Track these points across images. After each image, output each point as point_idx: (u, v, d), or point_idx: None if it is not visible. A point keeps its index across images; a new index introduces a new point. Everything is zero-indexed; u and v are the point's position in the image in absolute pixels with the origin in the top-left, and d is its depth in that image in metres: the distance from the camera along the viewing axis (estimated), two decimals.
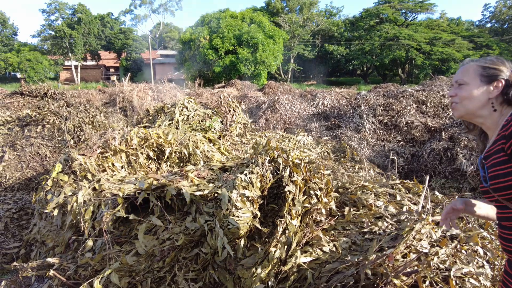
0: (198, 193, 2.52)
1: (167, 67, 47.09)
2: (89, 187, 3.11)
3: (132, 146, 4.05)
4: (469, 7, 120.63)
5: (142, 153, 4.04)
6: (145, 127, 5.00)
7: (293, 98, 9.22)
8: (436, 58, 39.17)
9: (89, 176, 3.52)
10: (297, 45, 44.48)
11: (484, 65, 1.39)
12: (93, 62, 48.66)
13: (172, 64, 44.24)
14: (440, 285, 2.13)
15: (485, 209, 1.55)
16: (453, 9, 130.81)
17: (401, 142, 6.36)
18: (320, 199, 2.76)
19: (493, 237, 2.77)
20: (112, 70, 52.46)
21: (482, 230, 2.81)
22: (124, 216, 2.60)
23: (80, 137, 5.66)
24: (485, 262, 2.42)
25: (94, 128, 6.23)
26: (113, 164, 3.90)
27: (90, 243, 2.55)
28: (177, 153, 3.94)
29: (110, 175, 3.56)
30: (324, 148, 5.74)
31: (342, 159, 5.32)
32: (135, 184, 2.82)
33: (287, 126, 8.01)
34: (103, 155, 3.93)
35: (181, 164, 3.96)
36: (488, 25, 49.37)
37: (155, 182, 2.70)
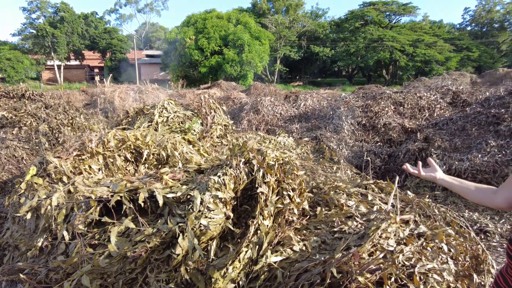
0: (171, 195, 2.55)
1: (152, 67, 46.66)
2: (63, 190, 3.10)
3: (110, 148, 4.03)
4: (450, 11, 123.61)
5: (119, 155, 4.03)
6: (124, 129, 4.97)
7: (275, 99, 9.30)
8: (419, 59, 40.05)
9: (65, 179, 3.50)
10: (283, 46, 44.73)
11: None
12: (77, 62, 47.76)
13: (158, 64, 43.88)
14: (404, 281, 2.22)
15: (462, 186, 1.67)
16: (435, 12, 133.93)
17: (379, 143, 6.52)
18: (293, 200, 2.83)
19: (458, 234, 2.89)
20: (96, 70, 51.63)
21: (447, 228, 2.92)
22: (97, 218, 2.61)
23: (59, 139, 5.58)
24: (449, 258, 2.53)
25: (74, 130, 6.16)
26: (90, 167, 3.88)
27: (62, 246, 2.55)
28: (155, 155, 3.95)
29: (86, 177, 3.55)
30: (304, 149, 5.82)
31: (321, 159, 5.42)
32: (109, 187, 2.82)
33: (269, 127, 8.08)
34: (80, 157, 3.91)
35: (159, 166, 3.97)
36: (468, 28, 50.75)
37: (128, 185, 2.71)
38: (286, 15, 47.39)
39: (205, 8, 56.38)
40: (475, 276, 2.42)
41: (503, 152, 4.80)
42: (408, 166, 1.81)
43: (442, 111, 7.47)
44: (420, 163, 1.79)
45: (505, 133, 5.15)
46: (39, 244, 2.72)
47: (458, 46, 43.29)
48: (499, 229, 3.90)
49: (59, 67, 43.75)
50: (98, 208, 2.68)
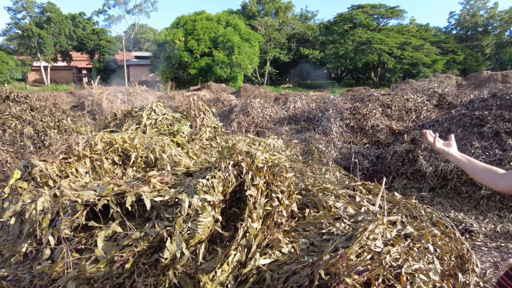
0: (158, 198, 2.53)
1: (141, 69, 46.28)
2: (49, 194, 3.04)
3: (97, 151, 3.98)
4: (436, 14, 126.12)
5: (107, 158, 3.99)
6: (111, 131, 4.92)
7: (265, 101, 9.33)
8: (407, 62, 40.72)
9: (51, 182, 3.44)
10: (273, 49, 44.90)
11: None
12: (64, 63, 46.98)
13: (147, 66, 43.54)
14: (392, 282, 2.24)
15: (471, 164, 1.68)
16: (422, 16, 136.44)
17: (367, 145, 6.60)
18: (282, 202, 2.84)
19: (444, 235, 2.94)
20: (84, 71, 50.89)
21: (433, 228, 2.97)
22: (84, 223, 2.57)
23: (44, 142, 5.49)
24: (435, 258, 2.57)
25: (60, 133, 6.06)
26: (76, 170, 3.83)
27: (47, 251, 2.50)
28: (143, 158, 3.91)
29: (73, 181, 3.49)
30: (293, 151, 5.85)
31: (310, 161, 5.45)
32: (96, 190, 2.79)
33: (259, 129, 8.10)
34: (66, 160, 3.85)
35: (148, 169, 3.93)
36: (454, 31, 51.81)
37: (115, 188, 2.68)
38: (275, 18, 47.62)
39: (194, 10, 56.19)
40: (460, 275, 2.47)
41: (487, 153, 4.92)
42: (427, 132, 1.82)
43: (428, 113, 7.60)
44: (437, 134, 1.81)
45: (488, 134, 5.27)
46: (23, 249, 2.67)
47: (444, 49, 44.17)
48: (483, 229, 3.98)
49: (45, 68, 42.98)
50: (85, 212, 2.64)
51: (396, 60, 41.14)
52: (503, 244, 3.70)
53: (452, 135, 1.81)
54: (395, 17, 47.73)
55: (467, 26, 49.17)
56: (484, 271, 3.23)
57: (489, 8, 46.88)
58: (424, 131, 1.84)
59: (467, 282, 2.56)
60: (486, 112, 5.82)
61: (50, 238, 2.55)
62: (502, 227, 3.98)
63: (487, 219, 4.18)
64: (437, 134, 1.81)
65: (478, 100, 6.64)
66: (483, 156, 4.81)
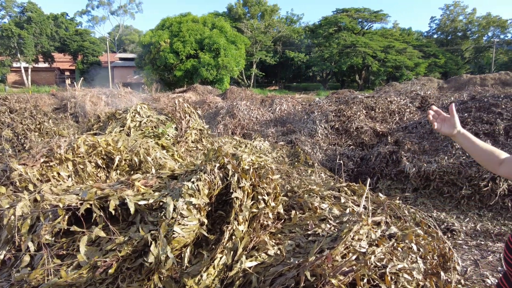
0: (142, 202, 2.49)
1: (126, 70, 45.66)
2: (29, 199, 2.96)
3: (80, 154, 3.90)
4: (418, 18, 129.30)
5: (90, 162, 3.91)
6: (95, 134, 4.83)
7: (251, 104, 9.34)
8: (390, 65, 41.53)
9: (30, 187, 3.35)
10: (259, 51, 45.05)
11: None
12: (46, 65, 45.87)
13: (132, 68, 42.99)
14: (377, 282, 2.27)
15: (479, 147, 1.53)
16: (404, 20, 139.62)
17: (351, 146, 6.69)
18: (268, 204, 2.84)
19: (426, 234, 3.00)
20: (67, 73, 49.83)
21: (417, 228, 3.03)
22: (65, 228, 2.50)
23: (24, 145, 5.34)
24: (418, 258, 2.62)
25: (41, 136, 5.91)
26: (58, 174, 3.74)
27: (27, 258, 2.43)
28: (127, 161, 3.85)
29: (54, 185, 3.41)
30: (280, 153, 5.87)
31: (296, 163, 5.48)
32: (78, 194, 2.72)
33: (245, 131, 8.10)
34: (48, 164, 3.75)
35: (132, 172, 3.87)
36: (435, 36, 53.21)
37: (98, 192, 2.63)
38: (261, 20, 47.83)
39: (180, 12, 55.88)
40: (442, 273, 2.52)
41: (467, 154, 5.05)
42: (430, 114, 1.63)
43: (411, 115, 7.77)
44: (439, 114, 1.62)
45: None
46: (1, 257, 2.58)
47: (426, 52, 45.28)
48: (464, 228, 4.08)
49: (26, 69, 41.85)
50: (67, 217, 2.58)
51: (380, 63, 41.91)
52: (482, 242, 3.81)
53: (453, 105, 1.59)
54: (379, 21, 48.69)
55: (447, 31, 50.61)
56: (465, 269, 3.31)
57: (467, 13, 48.45)
58: (428, 113, 1.64)
59: (449, 280, 2.62)
60: (466, 114, 5.99)
61: (30, 244, 2.47)
62: (482, 226, 4.10)
63: (468, 218, 4.29)
64: (439, 114, 1.62)
65: (458, 102, 6.83)
66: (463, 157, 4.94)
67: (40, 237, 2.42)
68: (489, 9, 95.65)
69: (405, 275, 2.37)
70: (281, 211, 2.97)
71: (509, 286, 1.34)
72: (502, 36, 46.95)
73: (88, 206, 2.54)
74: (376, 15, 47.45)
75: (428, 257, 2.70)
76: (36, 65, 43.82)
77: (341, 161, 5.21)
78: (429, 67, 43.80)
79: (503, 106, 5.86)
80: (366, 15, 47.48)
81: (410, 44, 46.13)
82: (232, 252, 2.41)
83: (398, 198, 3.99)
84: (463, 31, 49.20)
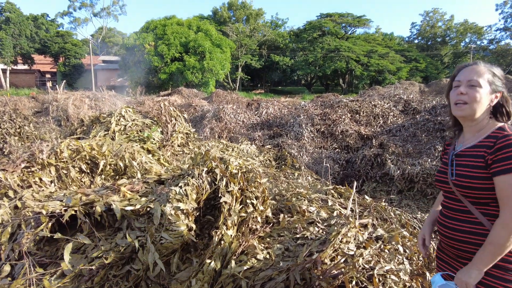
0: (129, 208, 2.45)
1: (110, 73, 44.87)
2: (9, 206, 2.86)
3: (63, 159, 3.80)
4: (400, 23, 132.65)
5: (74, 167, 3.81)
6: (78, 138, 4.72)
7: (238, 107, 9.34)
8: (373, 69, 42.32)
9: (11, 193, 3.23)
10: (245, 55, 45.15)
11: (496, 73, 1.44)
12: (26, 67, 44.57)
13: (116, 70, 42.27)
14: (365, 283, 2.29)
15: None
16: (387, 25, 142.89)
17: (337, 149, 6.78)
18: (256, 208, 2.84)
19: (412, 235, 3.06)
20: (48, 75, 48.54)
21: (402, 230, 3.08)
22: (49, 235, 2.43)
23: (4, 150, 5.17)
24: (404, 259, 2.66)
25: (21, 140, 5.74)
26: (40, 180, 3.63)
27: (7, 267, 2.34)
28: (112, 165, 3.78)
29: (36, 191, 3.31)
30: (267, 156, 5.89)
31: (283, 166, 5.50)
32: (62, 201, 2.65)
33: (232, 135, 8.08)
34: (29, 169, 3.64)
35: (117, 177, 3.80)
36: (416, 41, 54.65)
37: (83, 198, 2.56)
38: (246, 24, 47.99)
39: (164, 15, 55.48)
40: (427, 274, 2.56)
41: None
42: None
43: (395, 118, 7.93)
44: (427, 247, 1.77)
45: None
46: None
47: (408, 57, 46.41)
48: None
49: (4, 71, 40.57)
50: (50, 224, 2.50)
51: (363, 67, 42.65)
52: None
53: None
54: (362, 26, 49.64)
55: (427, 36, 52.10)
56: None
57: (446, 20, 50.04)
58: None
59: None
60: (447, 117, 6.16)
61: (11, 253, 2.39)
62: None
63: None
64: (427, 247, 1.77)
65: (439, 106, 7.02)
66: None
67: (21, 246, 2.34)
68: (466, 16, 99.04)
69: (392, 277, 2.40)
70: (270, 214, 2.97)
71: (439, 250, 1.62)
72: (478, 42, 48.73)
73: (73, 212, 2.48)
74: (359, 20, 48.36)
75: (414, 258, 2.75)
76: (15, 67, 42.54)
77: (328, 164, 5.27)
78: (411, 71, 44.88)
79: None
80: (350, 20, 48.32)
81: (392, 48, 47.20)
82: (221, 257, 2.39)
83: (383, 200, 4.06)
84: (442, 36, 50.76)
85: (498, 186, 1.33)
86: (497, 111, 1.46)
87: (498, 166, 1.32)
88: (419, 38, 53.78)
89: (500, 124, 1.43)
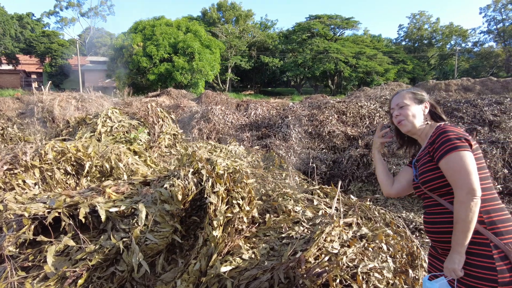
0: (114, 209, 2.44)
1: (97, 74, 44.26)
2: None
3: (48, 161, 3.75)
4: (388, 26, 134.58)
5: (59, 168, 3.77)
6: (64, 139, 4.66)
7: (226, 108, 9.34)
8: (362, 70, 42.83)
9: None
10: (234, 56, 45.15)
11: (414, 91, 1.87)
12: (10, 67, 43.67)
13: (103, 71, 41.74)
14: (349, 282, 2.33)
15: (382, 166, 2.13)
16: (375, 27, 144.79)
17: (324, 150, 6.85)
18: (243, 208, 2.85)
19: (396, 234, 3.12)
20: (34, 76, 47.61)
21: (386, 228, 3.14)
22: (31, 238, 2.40)
23: None
24: (388, 257, 2.71)
25: (5, 142, 5.63)
26: (24, 182, 3.57)
27: None
28: (98, 167, 3.75)
29: (19, 193, 3.26)
30: (255, 157, 5.90)
31: (271, 167, 5.53)
32: (45, 203, 2.62)
33: (220, 136, 8.08)
34: (12, 172, 3.58)
35: (103, 179, 3.77)
36: (403, 43, 55.53)
37: (67, 200, 2.54)
38: (236, 25, 47.99)
39: (153, 15, 55.06)
40: (410, 271, 2.62)
41: None
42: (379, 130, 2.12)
43: (381, 119, 8.05)
44: (385, 132, 2.11)
45: None
46: None
47: (395, 59, 47.11)
48: None
49: None
50: (33, 226, 2.47)
51: (351, 69, 43.12)
52: None
53: (387, 130, 2.11)
54: (350, 27, 50.18)
55: (414, 38, 52.98)
56: None
57: (432, 23, 50.97)
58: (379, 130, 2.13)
59: (417, 277, 2.73)
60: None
61: None
62: None
63: None
64: (385, 132, 2.12)
65: None
66: None
67: (2, 249, 2.31)
68: (451, 19, 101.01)
69: (376, 274, 2.45)
70: (256, 215, 2.99)
71: (433, 250, 1.76)
72: (463, 45, 49.83)
73: (57, 214, 2.46)
74: (347, 22, 48.86)
75: (398, 256, 2.80)
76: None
77: (314, 165, 5.32)
78: (398, 72, 45.57)
79: (464, 111, 6.21)
80: (338, 22, 48.79)
81: (380, 50, 47.84)
82: (206, 258, 2.40)
83: (369, 199, 4.12)
84: (428, 39, 51.69)
85: (443, 170, 1.57)
86: (433, 116, 1.82)
87: (437, 153, 1.59)
88: (406, 40, 54.67)
89: (438, 124, 1.74)
